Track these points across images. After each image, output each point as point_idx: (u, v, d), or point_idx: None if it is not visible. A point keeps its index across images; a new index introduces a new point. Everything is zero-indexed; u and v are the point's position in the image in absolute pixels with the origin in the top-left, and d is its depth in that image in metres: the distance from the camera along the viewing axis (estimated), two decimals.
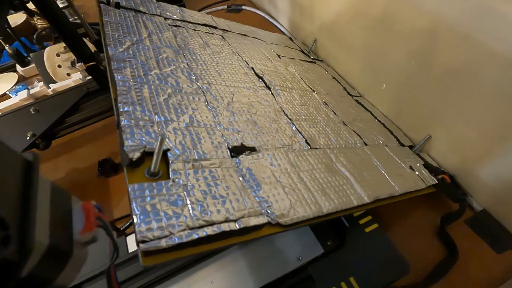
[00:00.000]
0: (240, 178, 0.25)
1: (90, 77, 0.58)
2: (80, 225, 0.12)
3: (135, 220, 0.18)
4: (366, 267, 0.32)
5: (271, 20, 0.79)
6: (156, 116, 0.27)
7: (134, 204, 0.19)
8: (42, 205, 0.10)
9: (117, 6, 0.41)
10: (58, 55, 0.69)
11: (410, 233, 0.42)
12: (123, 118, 0.25)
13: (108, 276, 0.15)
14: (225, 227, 0.20)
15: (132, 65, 0.31)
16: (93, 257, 0.16)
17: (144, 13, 0.43)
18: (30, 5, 0.45)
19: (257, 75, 0.43)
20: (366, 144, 0.41)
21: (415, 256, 0.38)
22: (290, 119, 0.37)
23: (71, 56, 0.69)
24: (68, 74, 0.69)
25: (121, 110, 0.25)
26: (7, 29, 0.66)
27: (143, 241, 0.17)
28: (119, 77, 0.29)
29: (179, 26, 0.45)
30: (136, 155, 0.22)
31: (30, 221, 0.09)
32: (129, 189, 0.20)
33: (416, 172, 0.40)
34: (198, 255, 0.33)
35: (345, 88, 0.56)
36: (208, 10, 0.84)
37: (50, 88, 0.65)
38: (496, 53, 0.32)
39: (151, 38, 0.38)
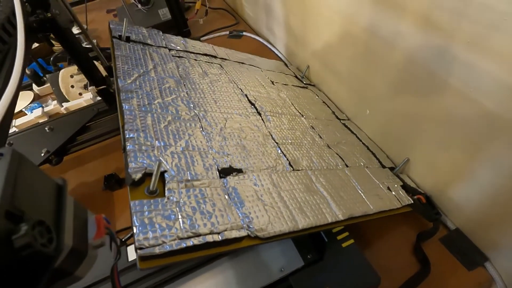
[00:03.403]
0: (226, 196, 0.29)
1: (99, 97, 0.64)
2: (93, 232, 0.16)
3: (134, 231, 0.22)
4: (341, 278, 0.35)
5: (269, 46, 0.85)
6: (156, 141, 0.31)
7: (134, 218, 0.23)
8: (69, 216, 0.15)
9: (128, 40, 0.46)
10: (71, 76, 0.75)
11: (388, 248, 0.45)
12: (128, 144, 0.29)
13: (112, 273, 0.19)
14: (209, 238, 0.24)
15: (138, 95, 0.36)
16: (98, 266, 0.20)
17: (151, 45, 0.49)
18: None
19: (250, 101, 0.48)
20: (347, 166, 0.44)
21: (391, 270, 0.41)
22: (277, 143, 0.41)
23: (83, 77, 0.75)
24: (80, 94, 0.75)
25: (127, 136, 0.30)
26: None
27: (140, 248, 0.21)
28: (126, 107, 0.34)
29: (182, 57, 0.51)
30: (138, 176, 0.26)
31: (62, 228, 0.13)
32: (131, 204, 0.24)
33: (393, 193, 0.43)
34: (191, 263, 0.37)
35: (333, 112, 0.60)
36: (211, 36, 0.91)
37: (63, 106, 0.71)
38: (456, 89, 0.37)
39: (156, 70, 0.43)
